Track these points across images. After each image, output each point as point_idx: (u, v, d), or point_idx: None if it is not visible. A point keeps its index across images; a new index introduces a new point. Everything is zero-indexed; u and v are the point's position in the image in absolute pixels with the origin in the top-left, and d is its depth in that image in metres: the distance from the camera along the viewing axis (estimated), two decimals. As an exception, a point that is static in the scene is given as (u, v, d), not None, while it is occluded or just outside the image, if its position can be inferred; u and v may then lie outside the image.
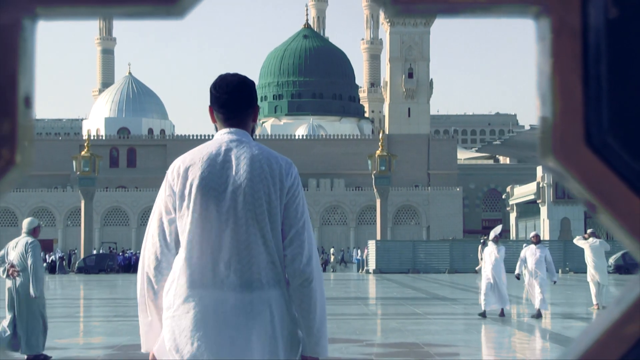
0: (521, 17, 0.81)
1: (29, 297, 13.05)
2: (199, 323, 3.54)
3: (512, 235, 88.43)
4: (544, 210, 76.98)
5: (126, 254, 69.45)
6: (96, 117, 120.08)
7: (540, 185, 77.14)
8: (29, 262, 13.17)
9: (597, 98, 0.77)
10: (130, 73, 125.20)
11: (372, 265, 57.43)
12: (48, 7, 0.78)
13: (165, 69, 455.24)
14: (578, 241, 23.43)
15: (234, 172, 3.60)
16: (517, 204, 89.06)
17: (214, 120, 3.85)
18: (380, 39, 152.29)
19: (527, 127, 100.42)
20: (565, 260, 53.70)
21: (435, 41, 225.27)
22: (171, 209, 3.64)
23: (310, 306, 3.65)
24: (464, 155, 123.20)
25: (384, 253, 57.65)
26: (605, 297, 22.21)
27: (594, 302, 22.48)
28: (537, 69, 0.82)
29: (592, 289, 22.46)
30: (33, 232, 13.64)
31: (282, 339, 3.57)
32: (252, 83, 3.89)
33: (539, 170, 78.02)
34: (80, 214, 75.44)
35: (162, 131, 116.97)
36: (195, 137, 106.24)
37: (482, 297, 19.82)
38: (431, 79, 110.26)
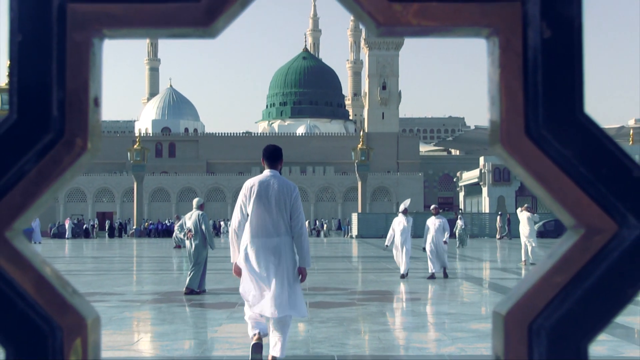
0: (475, 37, 0.81)
1: (200, 251, 14.11)
2: (257, 252, 6.29)
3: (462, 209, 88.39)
4: (485, 190, 76.95)
5: (167, 223, 69.26)
6: (145, 119, 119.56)
7: (482, 171, 77.07)
8: (202, 227, 14.16)
9: (534, 100, 0.78)
10: (171, 85, 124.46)
11: (354, 232, 57.43)
12: (112, 29, 0.79)
13: (197, 82, 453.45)
14: (519, 212, 23.39)
15: (272, 189, 6.30)
16: (464, 186, 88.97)
17: (263, 164, 6.48)
18: (361, 60, 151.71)
19: (472, 127, 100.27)
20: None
21: (403, 61, 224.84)
22: (246, 202, 6.37)
23: (302, 245, 6.36)
24: (424, 149, 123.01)
25: (364, 222, 57.66)
26: (533, 256, 22.22)
27: (522, 258, 22.52)
28: (487, 77, 0.81)
29: (522, 249, 22.51)
30: (200, 207, 14.49)
31: (291, 258, 6.32)
32: (280, 149, 6.56)
33: (482, 160, 77.90)
34: (133, 193, 75.33)
35: (195, 130, 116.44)
36: (220, 134, 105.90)
37: (399, 261, 18.16)
38: (400, 90, 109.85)
